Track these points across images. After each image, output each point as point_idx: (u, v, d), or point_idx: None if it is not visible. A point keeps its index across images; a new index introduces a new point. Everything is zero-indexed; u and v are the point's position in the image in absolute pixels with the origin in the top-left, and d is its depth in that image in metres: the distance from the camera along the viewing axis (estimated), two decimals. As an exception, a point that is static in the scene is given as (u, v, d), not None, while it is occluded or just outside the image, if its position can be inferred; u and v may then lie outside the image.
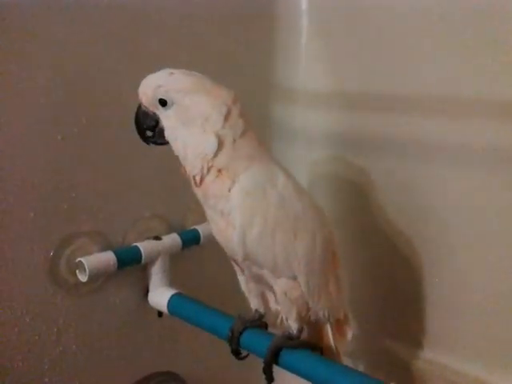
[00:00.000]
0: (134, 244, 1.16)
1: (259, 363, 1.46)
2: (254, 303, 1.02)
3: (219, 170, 0.85)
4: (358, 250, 1.24)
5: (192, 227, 1.28)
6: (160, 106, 0.86)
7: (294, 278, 0.91)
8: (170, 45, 1.22)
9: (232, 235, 0.87)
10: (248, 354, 1.03)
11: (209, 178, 0.86)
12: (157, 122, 0.88)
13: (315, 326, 1.02)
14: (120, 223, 1.18)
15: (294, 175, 0.96)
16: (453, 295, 1.23)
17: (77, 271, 1.09)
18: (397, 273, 1.33)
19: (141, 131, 0.90)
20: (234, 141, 0.85)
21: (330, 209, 1.46)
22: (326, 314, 0.95)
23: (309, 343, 0.94)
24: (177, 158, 0.88)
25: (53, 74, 1.03)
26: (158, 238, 1.21)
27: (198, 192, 0.89)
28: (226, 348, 1.03)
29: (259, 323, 1.01)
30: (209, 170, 0.85)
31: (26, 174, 1.02)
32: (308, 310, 0.94)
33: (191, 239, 1.26)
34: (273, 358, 0.91)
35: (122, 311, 1.20)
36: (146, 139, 0.91)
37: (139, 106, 0.88)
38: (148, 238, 1.20)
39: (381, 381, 0.80)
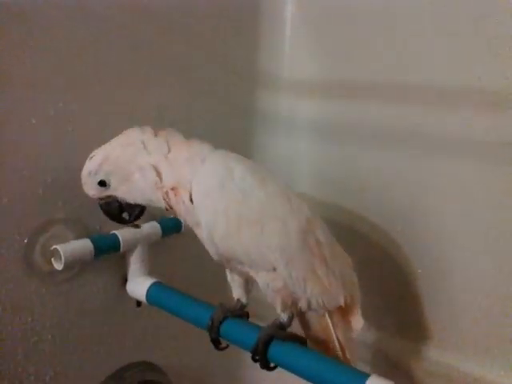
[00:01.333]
0: (112, 232, 1.13)
1: (240, 353, 1.47)
2: (237, 293, 1.01)
3: (173, 189, 0.90)
4: (346, 244, 1.22)
5: (172, 216, 1.26)
6: (105, 188, 0.92)
7: (275, 270, 0.89)
8: (156, 36, 1.19)
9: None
10: (228, 346, 1.01)
11: (172, 201, 0.91)
12: (117, 201, 0.94)
13: (312, 318, 0.98)
14: (97, 210, 1.14)
15: (271, 163, 0.96)
16: (455, 293, 1.22)
17: (52, 259, 1.05)
18: (393, 269, 1.31)
19: (118, 219, 0.98)
20: (166, 158, 0.90)
21: (314, 198, 1.46)
22: (321, 302, 0.91)
23: (297, 336, 0.92)
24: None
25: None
26: (136, 225, 1.17)
27: (177, 215, 0.94)
28: (206, 338, 1.01)
29: (240, 313, 1.00)
30: (167, 194, 0.90)
31: (0, 158, 0.98)
32: (294, 299, 0.91)
33: (171, 227, 1.23)
34: (265, 347, 0.89)
35: (99, 300, 1.18)
36: (128, 221, 0.98)
37: (99, 204, 0.95)
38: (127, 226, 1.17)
39: (367, 374, 0.79)
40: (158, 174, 0.90)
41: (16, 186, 1.01)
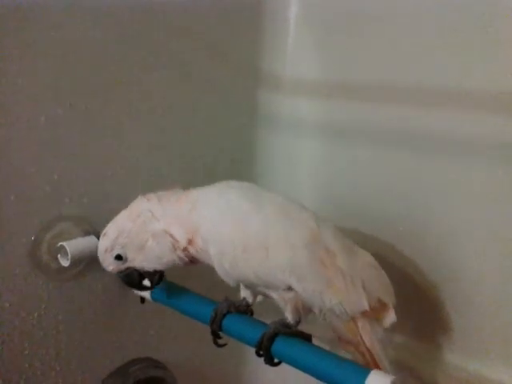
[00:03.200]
0: (118, 229, 1.14)
1: (243, 351, 1.48)
2: (244, 293, 1.03)
3: (190, 242, 0.93)
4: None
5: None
6: (122, 261, 0.95)
7: (290, 288, 0.90)
8: (157, 35, 1.20)
9: None
10: (227, 343, 1.02)
11: (194, 253, 0.94)
12: (137, 271, 0.97)
13: (338, 323, 0.96)
14: (104, 208, 1.15)
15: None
16: (471, 296, 1.20)
17: (59, 256, 1.07)
18: (407, 271, 1.29)
19: (140, 287, 1.01)
20: (174, 219, 0.93)
21: (316, 198, 1.47)
22: (343, 310, 0.90)
23: (303, 333, 0.93)
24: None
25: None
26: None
27: (203, 263, 0.96)
28: (209, 335, 1.03)
29: (245, 309, 1.01)
30: (187, 250, 0.93)
31: (7, 155, 0.99)
32: (309, 308, 0.92)
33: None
34: (270, 343, 0.90)
35: (104, 297, 1.19)
36: (150, 288, 1.01)
37: (119, 276, 0.98)
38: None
39: (369, 369, 0.80)
40: (171, 235, 0.93)
41: (23, 183, 1.02)
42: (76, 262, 1.06)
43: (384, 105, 1.27)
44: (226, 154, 1.43)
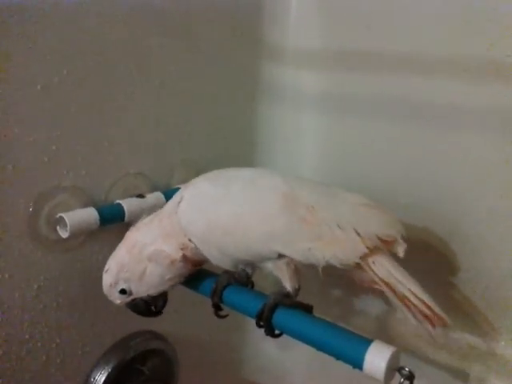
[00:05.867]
0: (117, 201, 1.13)
1: (243, 324, 1.48)
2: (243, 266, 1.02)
3: (183, 248, 0.95)
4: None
5: (177, 186, 1.26)
6: (127, 295, 0.97)
7: (281, 255, 0.89)
8: (159, 2, 1.17)
9: None
10: (228, 314, 1.02)
11: (191, 256, 0.96)
12: (143, 300, 0.98)
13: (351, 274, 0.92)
14: (103, 180, 1.15)
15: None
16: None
17: (57, 227, 1.05)
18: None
19: (148, 314, 1.02)
20: (163, 235, 0.95)
21: (317, 171, 1.46)
22: (340, 259, 0.86)
23: (303, 304, 0.92)
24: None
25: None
26: (141, 195, 1.18)
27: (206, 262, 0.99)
28: (209, 307, 1.02)
29: (246, 281, 1.00)
30: (184, 258, 0.95)
31: (4, 125, 0.97)
32: (305, 265, 0.91)
33: (176, 198, 1.23)
34: (271, 313, 0.90)
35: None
36: (157, 314, 1.02)
37: (127, 307, 1.00)
38: (131, 196, 1.17)
39: (370, 339, 0.79)
40: (165, 252, 0.94)
41: (21, 153, 1.00)
42: (75, 233, 1.04)
43: (393, 76, 1.25)
44: (226, 126, 1.41)
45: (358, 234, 0.87)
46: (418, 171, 1.25)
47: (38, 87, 1.00)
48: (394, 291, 0.88)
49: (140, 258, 0.94)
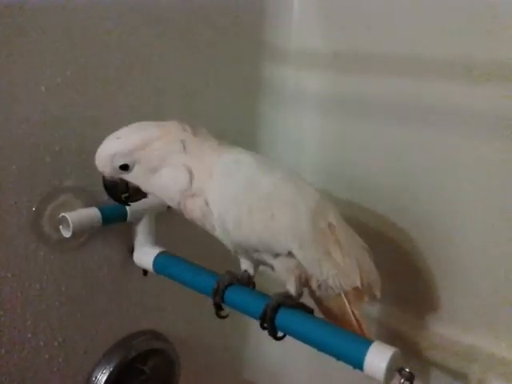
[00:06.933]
0: (120, 201, 1.14)
1: (245, 325, 1.49)
2: (245, 265, 1.02)
3: (193, 195, 0.89)
4: (352, 217, 1.21)
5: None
6: (124, 171, 0.89)
7: (290, 254, 0.90)
8: (163, 3, 1.18)
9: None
10: (228, 315, 1.03)
11: (188, 207, 0.90)
12: (126, 184, 0.92)
13: (327, 296, 0.98)
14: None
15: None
16: (461, 265, 1.20)
17: (60, 227, 1.06)
18: (396, 241, 1.30)
19: (116, 199, 0.95)
20: (200, 164, 0.89)
21: (318, 172, 1.46)
22: (337, 282, 0.91)
23: (305, 306, 0.93)
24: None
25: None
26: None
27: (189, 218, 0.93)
28: (210, 308, 1.03)
29: (247, 281, 1.01)
30: (185, 199, 0.90)
31: (8, 125, 0.98)
32: (308, 277, 0.93)
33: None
34: (274, 314, 0.90)
35: (106, 269, 1.19)
36: (124, 202, 0.96)
37: (104, 178, 0.91)
38: (134, 196, 1.17)
39: (371, 340, 0.80)
40: (190, 174, 0.88)
41: (24, 153, 1.01)
42: (78, 232, 1.05)
43: (395, 78, 1.25)
44: (229, 127, 1.41)
45: (359, 269, 0.93)
46: (419, 173, 1.25)
47: (42, 88, 1.01)
48: (358, 324, 0.96)
49: (167, 158, 0.88)
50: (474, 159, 1.15)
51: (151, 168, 0.88)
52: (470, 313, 1.21)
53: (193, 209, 0.91)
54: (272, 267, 0.96)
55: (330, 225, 0.92)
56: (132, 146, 0.87)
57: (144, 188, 0.92)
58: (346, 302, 0.96)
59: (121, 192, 0.93)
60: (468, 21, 1.11)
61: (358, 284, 0.93)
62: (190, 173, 0.88)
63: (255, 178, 0.89)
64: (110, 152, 0.87)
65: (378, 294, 0.99)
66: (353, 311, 0.96)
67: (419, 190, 1.26)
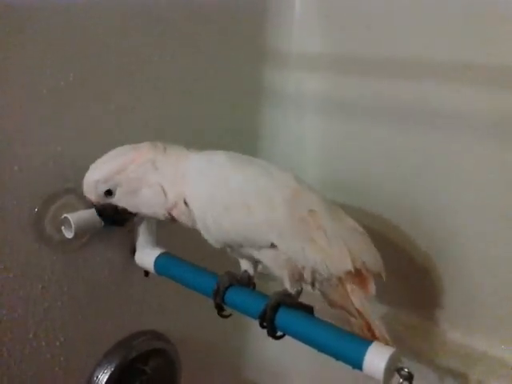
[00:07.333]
0: (121, 203, 1.15)
1: (245, 325, 1.49)
2: (244, 266, 1.03)
3: (175, 203, 0.94)
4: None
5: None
6: (109, 196, 0.94)
7: (273, 246, 0.91)
8: (163, 6, 1.19)
9: None
10: (231, 314, 1.03)
11: (175, 214, 0.96)
12: (116, 207, 0.97)
13: (328, 289, 0.97)
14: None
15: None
16: (468, 269, 1.20)
17: (62, 227, 1.07)
18: (405, 244, 1.30)
19: (109, 222, 1.02)
20: (172, 176, 0.94)
21: (319, 174, 1.46)
22: (325, 268, 0.91)
23: (304, 305, 0.94)
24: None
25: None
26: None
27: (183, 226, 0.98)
28: (212, 309, 1.03)
29: (247, 282, 1.02)
30: (170, 209, 0.95)
31: (11, 127, 0.99)
32: (300, 270, 0.93)
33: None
34: (273, 313, 0.91)
35: (107, 269, 1.20)
36: (117, 224, 1.03)
37: (93, 204, 0.97)
38: (135, 197, 1.18)
39: (370, 341, 0.81)
40: (164, 192, 0.94)
41: (27, 155, 1.02)
42: (79, 233, 1.06)
43: (391, 80, 1.26)
44: (229, 129, 1.42)
45: (349, 252, 0.92)
46: (418, 174, 1.26)
47: (44, 91, 1.02)
48: (362, 317, 0.95)
49: (143, 177, 0.93)
50: (475, 161, 1.16)
51: (131, 190, 0.94)
52: (470, 315, 1.22)
53: (179, 216, 0.96)
54: (261, 262, 0.97)
55: (310, 210, 0.92)
56: (111, 172, 0.93)
57: (130, 209, 0.97)
58: (348, 290, 0.95)
59: (111, 215, 0.99)
60: (469, 22, 1.12)
61: (350, 267, 0.91)
62: (163, 189, 0.94)
63: (228, 175, 0.92)
64: (92, 180, 0.94)
65: (383, 276, 0.97)
66: (352, 300, 0.95)
67: (419, 192, 1.26)
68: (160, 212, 0.96)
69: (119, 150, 0.96)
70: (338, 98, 1.39)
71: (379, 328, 0.94)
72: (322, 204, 0.94)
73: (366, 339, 0.83)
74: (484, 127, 1.13)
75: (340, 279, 0.94)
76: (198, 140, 1.33)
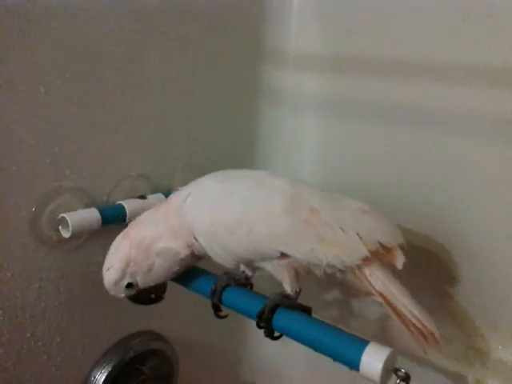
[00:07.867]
0: (119, 202, 1.14)
1: (243, 326, 1.49)
2: (243, 266, 1.02)
3: (189, 246, 0.97)
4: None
5: (178, 188, 1.27)
6: (133, 286, 0.97)
7: (284, 255, 0.90)
8: (158, 5, 1.18)
9: None
10: (228, 315, 1.03)
11: (196, 252, 0.98)
12: (145, 290, 0.99)
13: (349, 280, 0.95)
14: (104, 181, 1.16)
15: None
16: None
17: (60, 227, 1.07)
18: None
19: (149, 302, 1.04)
20: (172, 232, 0.96)
21: (318, 174, 1.46)
22: (340, 261, 0.88)
23: (303, 306, 0.93)
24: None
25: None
26: (142, 197, 1.19)
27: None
28: (209, 308, 1.03)
29: (245, 282, 1.02)
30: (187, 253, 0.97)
31: (7, 126, 0.98)
32: (306, 269, 0.93)
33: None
34: (271, 314, 0.91)
35: (105, 269, 1.19)
36: (157, 301, 1.05)
37: (128, 299, 1.01)
38: (132, 197, 1.18)
39: (367, 341, 0.80)
40: (174, 249, 0.96)
41: (24, 154, 1.01)
42: (77, 233, 1.05)
43: (389, 81, 1.26)
44: (227, 129, 1.42)
45: (360, 238, 0.89)
46: (418, 175, 1.26)
47: (42, 90, 1.01)
48: (388, 303, 0.91)
49: (148, 253, 0.95)
50: (475, 161, 1.16)
51: (147, 270, 0.95)
52: (467, 314, 1.21)
53: (200, 252, 0.98)
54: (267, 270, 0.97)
55: (312, 210, 0.90)
56: (120, 268, 0.95)
57: (159, 282, 0.99)
58: (366, 274, 0.91)
59: (147, 297, 1.02)
60: (468, 23, 1.12)
61: (366, 253, 0.88)
62: (171, 247, 0.96)
63: (221, 199, 0.93)
64: (112, 283, 0.96)
65: (402, 242, 0.94)
66: (372, 285, 0.91)
67: (419, 192, 1.26)
68: (183, 262, 0.98)
69: (113, 246, 0.98)
70: (336, 97, 1.39)
71: (413, 314, 0.89)
72: (321, 200, 0.93)
73: (363, 340, 0.82)
74: (484, 128, 1.13)
75: (358, 266, 0.91)
76: (197, 141, 1.35)
